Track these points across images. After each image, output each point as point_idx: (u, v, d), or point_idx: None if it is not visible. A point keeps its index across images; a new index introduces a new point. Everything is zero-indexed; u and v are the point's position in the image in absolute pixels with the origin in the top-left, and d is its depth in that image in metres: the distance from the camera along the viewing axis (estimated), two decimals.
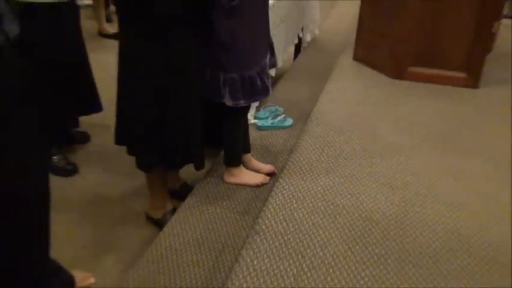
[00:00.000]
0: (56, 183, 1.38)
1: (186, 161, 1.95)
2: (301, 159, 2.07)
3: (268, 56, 2.02)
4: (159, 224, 2.04)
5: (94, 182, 2.37)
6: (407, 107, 2.51)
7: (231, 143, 2.14)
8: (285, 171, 1.99)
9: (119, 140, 1.96)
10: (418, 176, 1.96)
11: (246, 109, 2.09)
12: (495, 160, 2.09)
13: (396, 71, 2.74)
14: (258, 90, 1.94)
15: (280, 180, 1.94)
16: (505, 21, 3.56)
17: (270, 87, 1.98)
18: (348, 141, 2.18)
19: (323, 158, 2.04)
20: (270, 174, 2.22)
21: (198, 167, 2.00)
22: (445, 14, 2.60)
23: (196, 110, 1.86)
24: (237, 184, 2.16)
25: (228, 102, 1.89)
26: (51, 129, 2.32)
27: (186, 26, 1.72)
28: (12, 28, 1.15)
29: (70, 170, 2.42)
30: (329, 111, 2.48)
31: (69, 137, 2.64)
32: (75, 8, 2.31)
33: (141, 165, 1.95)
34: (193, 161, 1.96)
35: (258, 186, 2.16)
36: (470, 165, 2.06)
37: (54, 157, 2.44)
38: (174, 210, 2.07)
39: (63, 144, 2.58)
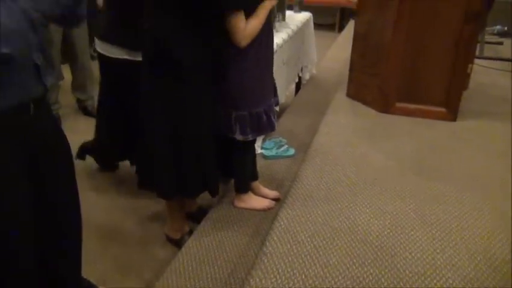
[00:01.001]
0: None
1: (202, 189, 1.94)
2: (303, 187, 2.05)
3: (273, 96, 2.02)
4: (178, 245, 2.02)
5: (116, 204, 2.35)
6: (395, 138, 2.50)
7: (240, 171, 2.13)
8: (289, 198, 1.97)
9: (142, 181, 1.94)
10: (406, 201, 1.93)
11: (254, 141, 2.08)
12: (471, 184, 2.07)
13: (384, 106, 2.74)
14: (265, 126, 1.93)
15: (285, 206, 1.93)
16: (478, 61, 3.57)
17: (275, 123, 1.98)
18: (343, 170, 2.16)
19: (321, 186, 2.03)
20: (276, 199, 2.21)
21: (213, 194, 1.98)
22: (425, 56, 2.61)
23: (210, 143, 1.86)
24: (246, 209, 2.15)
25: (238, 137, 1.89)
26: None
27: (201, 69, 1.73)
28: (49, 79, 1.15)
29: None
30: (326, 142, 2.47)
31: None
32: None
33: (161, 195, 1.94)
34: (208, 189, 1.95)
35: (265, 210, 2.14)
36: (450, 190, 2.03)
37: None
38: (191, 232, 2.05)
39: None
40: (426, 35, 2.54)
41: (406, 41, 2.58)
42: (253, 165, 2.20)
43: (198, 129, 1.80)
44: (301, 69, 3.74)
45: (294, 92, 3.76)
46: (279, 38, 2.82)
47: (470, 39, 2.49)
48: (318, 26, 6.36)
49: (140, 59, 1.82)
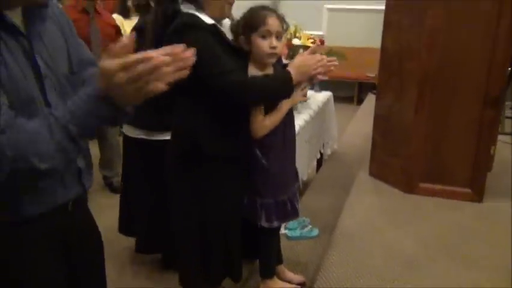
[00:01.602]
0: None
1: (226, 276, 1.93)
2: (329, 277, 2.02)
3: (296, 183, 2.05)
4: None
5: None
6: (421, 221, 2.48)
7: (265, 256, 2.13)
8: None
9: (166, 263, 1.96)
10: None
11: (279, 227, 2.09)
12: (501, 270, 2.01)
13: (408, 187, 2.75)
14: (289, 213, 1.96)
15: None
16: (500, 137, 3.58)
17: (299, 210, 2.00)
18: (370, 258, 2.13)
19: (348, 275, 1.99)
20: (301, 284, 2.18)
21: (236, 280, 1.97)
22: (448, 137, 2.66)
23: (237, 232, 1.88)
24: None
25: (264, 224, 1.91)
26: None
27: (228, 160, 1.78)
28: (89, 181, 1.21)
29: None
30: (351, 225, 2.46)
31: None
32: None
33: (185, 284, 1.94)
34: (232, 275, 1.94)
35: None
36: (480, 276, 1.97)
37: None
38: None
39: None
40: (448, 117, 2.60)
41: (427, 123, 2.64)
42: (277, 249, 2.20)
43: (226, 219, 1.83)
44: (323, 146, 3.81)
45: (315, 168, 3.80)
46: (300, 120, 2.91)
47: (491, 122, 2.54)
48: (336, 98, 6.55)
49: (155, 138, 1.95)
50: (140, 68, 0.83)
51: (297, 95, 1.85)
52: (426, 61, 2.56)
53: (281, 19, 1.80)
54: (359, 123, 5.18)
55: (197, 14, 1.65)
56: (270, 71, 1.84)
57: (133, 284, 2.36)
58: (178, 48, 0.85)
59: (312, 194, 3.23)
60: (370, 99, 6.47)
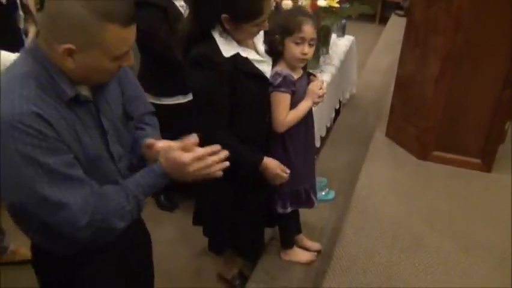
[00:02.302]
0: None
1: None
2: (343, 255, 2.31)
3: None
4: (229, 284, 2.42)
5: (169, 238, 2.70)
6: (431, 195, 2.71)
7: (284, 231, 2.43)
8: (330, 268, 2.23)
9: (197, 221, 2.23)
10: (436, 276, 2.18)
11: (297, 212, 2.34)
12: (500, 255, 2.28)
13: (422, 154, 2.95)
14: (303, 202, 2.19)
15: (327, 276, 2.19)
16: None
17: (315, 201, 2.22)
18: (381, 236, 2.40)
19: (360, 255, 2.29)
20: (318, 251, 2.51)
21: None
22: (464, 113, 2.77)
23: (260, 213, 2.13)
24: (291, 261, 2.45)
25: (279, 209, 2.16)
26: None
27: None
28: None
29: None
30: (365, 198, 2.69)
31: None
32: None
33: (213, 249, 2.28)
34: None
35: (307, 263, 2.45)
36: (480, 261, 2.25)
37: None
38: (241, 273, 2.41)
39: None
40: (467, 94, 2.69)
41: (447, 97, 2.74)
42: (297, 220, 2.48)
43: (252, 204, 2.07)
44: (342, 93, 3.91)
45: (333, 118, 3.93)
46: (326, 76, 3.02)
47: (509, 102, 2.63)
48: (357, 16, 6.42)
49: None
50: (212, 160, 1.18)
51: (314, 96, 1.97)
52: (451, 38, 2.58)
53: (316, 25, 1.87)
54: (380, 56, 5.17)
55: (219, 43, 1.71)
56: (298, 74, 1.95)
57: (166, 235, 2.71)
58: (193, 139, 1.20)
59: (329, 149, 3.43)
60: (394, 22, 6.32)
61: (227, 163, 1.21)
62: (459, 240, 2.38)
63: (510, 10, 2.42)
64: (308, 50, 1.89)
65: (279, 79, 1.87)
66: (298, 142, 2.05)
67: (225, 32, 1.72)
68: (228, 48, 1.72)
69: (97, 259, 1.34)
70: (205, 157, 1.18)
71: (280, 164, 1.94)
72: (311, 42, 1.89)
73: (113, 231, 1.19)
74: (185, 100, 2.58)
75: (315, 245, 2.55)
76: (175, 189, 2.77)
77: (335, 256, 2.30)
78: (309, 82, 2.02)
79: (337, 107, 3.81)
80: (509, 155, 2.99)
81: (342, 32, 3.87)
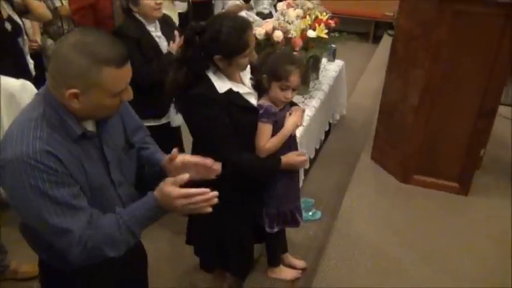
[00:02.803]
0: None
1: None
2: (325, 278, 2.48)
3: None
4: None
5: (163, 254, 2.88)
6: (411, 215, 2.90)
7: (271, 250, 2.62)
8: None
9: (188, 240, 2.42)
10: None
11: (283, 231, 2.53)
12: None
13: (404, 178, 3.15)
14: (289, 222, 2.37)
15: None
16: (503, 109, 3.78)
17: (300, 221, 2.40)
18: (362, 261, 2.56)
19: (342, 277, 2.47)
20: (303, 269, 2.69)
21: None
22: (443, 139, 2.97)
23: (248, 230, 2.31)
24: (277, 278, 2.64)
25: (267, 229, 2.33)
26: None
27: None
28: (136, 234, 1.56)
29: None
30: (348, 221, 2.88)
31: None
32: None
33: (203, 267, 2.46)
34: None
35: (292, 280, 2.63)
36: (457, 285, 2.42)
37: None
38: None
39: None
40: (445, 123, 2.90)
41: (426, 125, 2.95)
42: (283, 240, 2.66)
43: (240, 228, 2.26)
44: (332, 115, 4.11)
45: (323, 138, 4.12)
46: (310, 108, 3.21)
47: (484, 130, 2.83)
48: (350, 34, 6.65)
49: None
50: (197, 199, 1.31)
51: (293, 124, 2.16)
52: (429, 72, 2.79)
53: (302, 73, 2.08)
54: (371, 77, 5.38)
55: (213, 80, 1.93)
56: (281, 105, 2.15)
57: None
58: (209, 161, 1.38)
59: (317, 169, 3.63)
60: (386, 42, 6.53)
61: (215, 200, 1.34)
62: (436, 263, 2.56)
63: (483, 46, 2.63)
64: (291, 95, 2.13)
65: (261, 111, 2.07)
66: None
67: (218, 70, 1.93)
68: (221, 85, 1.94)
69: (97, 274, 1.52)
70: (193, 196, 1.30)
71: (293, 152, 2.19)
72: (295, 89, 2.11)
73: (105, 257, 1.35)
74: (159, 123, 2.81)
75: (301, 263, 2.74)
76: None
77: (316, 278, 2.48)
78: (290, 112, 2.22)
79: (326, 129, 4.01)
80: (484, 179, 3.19)
81: (332, 57, 4.09)
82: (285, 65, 2.06)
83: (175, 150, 1.47)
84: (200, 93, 1.91)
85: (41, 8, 3.05)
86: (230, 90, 1.96)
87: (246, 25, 1.91)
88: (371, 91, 4.93)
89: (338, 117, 4.32)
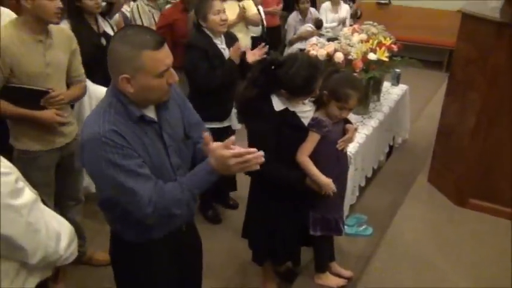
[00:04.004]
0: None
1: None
2: (369, 284, 2.59)
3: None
4: None
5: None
6: (461, 237, 2.92)
7: (318, 255, 2.77)
8: None
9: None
10: None
11: (331, 239, 2.68)
12: None
13: (459, 201, 3.17)
14: (332, 229, 2.53)
15: None
16: None
17: (342, 230, 2.56)
18: (406, 271, 2.65)
19: (387, 284, 2.56)
20: (349, 279, 2.80)
21: (296, 264, 2.70)
22: (500, 163, 2.98)
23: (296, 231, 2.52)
24: (323, 285, 2.77)
25: (310, 231, 2.50)
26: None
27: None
28: (195, 206, 1.85)
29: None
30: (399, 234, 2.97)
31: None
32: None
33: (255, 260, 2.68)
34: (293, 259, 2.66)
35: None
36: None
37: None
38: None
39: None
40: (501, 146, 2.91)
41: (482, 149, 2.98)
42: (331, 248, 2.81)
43: (288, 228, 2.46)
44: (393, 138, 4.20)
45: (385, 158, 4.21)
46: (368, 128, 3.35)
47: None
48: (425, 63, 6.66)
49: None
50: (247, 157, 1.51)
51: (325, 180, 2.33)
52: (486, 94, 2.84)
53: (360, 97, 2.33)
54: (439, 104, 5.31)
55: (273, 98, 2.20)
56: (335, 120, 2.35)
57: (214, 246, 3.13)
58: (252, 151, 1.53)
59: (374, 189, 3.72)
60: None
61: (262, 159, 1.51)
62: (480, 284, 2.57)
63: None
64: (346, 115, 2.34)
65: (314, 121, 2.29)
66: (330, 176, 2.41)
67: (281, 96, 2.23)
68: (279, 104, 2.22)
69: (158, 251, 1.79)
70: (243, 154, 1.50)
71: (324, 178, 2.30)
72: (351, 110, 2.32)
73: (173, 217, 1.62)
74: (221, 126, 3.11)
75: (347, 273, 2.85)
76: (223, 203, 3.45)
77: (360, 283, 2.59)
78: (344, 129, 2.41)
79: (386, 150, 4.10)
80: None
81: (396, 81, 4.20)
82: (346, 89, 2.27)
83: (206, 134, 1.61)
84: (258, 107, 2.20)
85: None
86: (286, 109, 2.22)
87: (318, 74, 2.18)
88: (437, 118, 4.92)
89: (400, 140, 4.40)
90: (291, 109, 2.24)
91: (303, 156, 2.30)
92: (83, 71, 2.56)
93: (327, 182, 2.30)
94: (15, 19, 2.31)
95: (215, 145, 1.56)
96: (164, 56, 1.50)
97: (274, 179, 2.27)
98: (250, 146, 2.30)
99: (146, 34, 1.49)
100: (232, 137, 1.54)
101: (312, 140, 2.29)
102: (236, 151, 1.50)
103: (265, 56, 2.98)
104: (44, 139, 2.40)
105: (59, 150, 2.48)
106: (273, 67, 2.18)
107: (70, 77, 2.48)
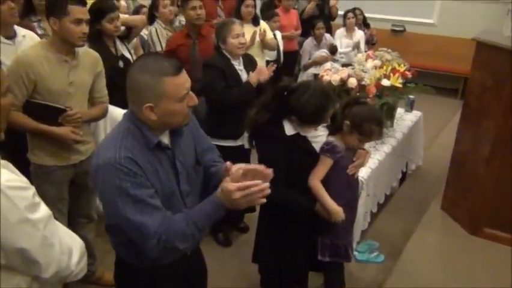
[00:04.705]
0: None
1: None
2: None
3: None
4: None
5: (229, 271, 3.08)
6: (475, 267, 2.88)
7: (328, 281, 2.73)
8: None
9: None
10: None
11: (341, 265, 2.66)
12: None
13: (473, 229, 3.13)
14: (341, 255, 2.49)
15: None
16: None
17: (351, 256, 2.54)
18: None
19: None
20: None
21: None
22: None
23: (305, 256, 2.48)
24: None
25: (319, 256, 2.48)
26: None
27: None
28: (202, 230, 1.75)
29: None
30: (411, 262, 2.93)
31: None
32: None
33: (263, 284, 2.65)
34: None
35: None
36: None
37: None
38: None
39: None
40: None
41: (497, 178, 2.95)
42: (341, 274, 2.78)
43: (296, 254, 2.45)
44: (406, 164, 4.18)
45: (398, 183, 4.19)
46: (381, 153, 3.35)
47: None
48: (439, 90, 6.65)
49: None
50: (252, 190, 1.50)
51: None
52: (502, 123, 2.84)
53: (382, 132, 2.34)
54: (453, 131, 5.32)
55: (284, 123, 2.21)
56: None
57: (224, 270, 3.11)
58: (261, 167, 1.56)
59: (386, 215, 3.69)
60: None
61: (268, 191, 1.50)
62: None
63: None
64: (364, 145, 2.34)
65: (328, 146, 2.30)
66: (340, 203, 2.41)
67: (293, 122, 2.24)
68: (290, 129, 2.24)
69: (163, 276, 1.78)
70: (248, 187, 1.49)
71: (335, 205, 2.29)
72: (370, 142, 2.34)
73: (176, 250, 1.61)
74: (235, 144, 3.15)
75: None
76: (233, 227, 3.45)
77: None
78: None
79: (399, 177, 4.08)
80: None
81: (410, 108, 4.21)
82: (372, 125, 2.27)
83: (227, 163, 1.63)
84: (269, 132, 2.21)
85: (137, 21, 3.55)
86: (297, 134, 2.24)
87: (329, 104, 2.19)
88: (451, 145, 4.90)
89: (413, 167, 4.38)
90: (303, 134, 2.25)
91: (315, 180, 2.30)
92: (106, 92, 2.63)
93: (336, 209, 2.28)
94: (45, 40, 2.43)
95: (227, 178, 1.57)
96: (184, 80, 1.54)
97: (283, 204, 2.26)
98: None
99: (163, 61, 1.52)
100: (240, 170, 1.55)
101: (325, 164, 2.29)
102: (240, 183, 1.50)
103: (274, 73, 3.13)
104: (60, 155, 2.45)
105: (74, 167, 2.52)
106: (285, 93, 2.21)
107: (93, 98, 2.56)
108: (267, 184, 1.52)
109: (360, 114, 2.28)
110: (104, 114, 2.65)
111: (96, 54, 2.58)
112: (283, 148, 2.19)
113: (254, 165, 1.57)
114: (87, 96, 2.51)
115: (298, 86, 2.22)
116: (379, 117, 2.38)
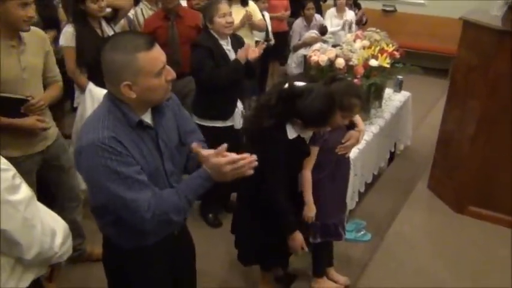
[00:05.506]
0: None
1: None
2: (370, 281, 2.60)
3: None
4: None
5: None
6: (460, 244, 2.93)
7: (316, 260, 2.77)
8: None
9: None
10: None
11: (330, 244, 2.69)
12: None
13: (458, 208, 3.17)
14: (332, 234, 2.54)
15: None
16: None
17: (343, 235, 2.57)
18: (404, 277, 2.66)
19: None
20: (346, 286, 2.81)
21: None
22: (500, 171, 2.98)
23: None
24: None
25: (310, 239, 2.51)
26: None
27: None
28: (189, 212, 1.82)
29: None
30: (397, 239, 2.98)
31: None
32: None
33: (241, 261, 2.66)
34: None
35: None
36: None
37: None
38: None
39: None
40: (501, 154, 2.92)
41: (482, 156, 2.99)
42: (330, 253, 2.82)
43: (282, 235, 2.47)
44: (394, 144, 4.21)
45: (387, 164, 4.22)
46: (368, 134, 3.36)
47: None
48: (429, 70, 6.63)
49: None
50: (241, 163, 1.55)
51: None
52: (487, 102, 2.86)
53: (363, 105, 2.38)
54: (442, 111, 5.36)
55: (286, 126, 2.19)
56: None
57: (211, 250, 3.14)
58: (252, 157, 1.57)
59: (374, 195, 3.73)
60: None
61: (256, 163, 1.56)
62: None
63: None
64: (347, 122, 2.35)
65: (311, 138, 2.33)
66: (328, 183, 2.43)
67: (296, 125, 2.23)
68: (292, 132, 2.22)
69: (151, 256, 1.80)
70: (237, 160, 1.54)
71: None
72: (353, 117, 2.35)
73: (171, 223, 1.64)
74: (224, 125, 3.14)
75: (344, 279, 2.86)
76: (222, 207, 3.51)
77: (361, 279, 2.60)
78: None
79: (387, 157, 4.11)
80: None
81: (398, 88, 4.21)
82: (351, 98, 2.27)
83: (194, 143, 1.66)
84: (271, 134, 2.18)
85: (124, 2, 3.36)
86: (298, 136, 2.23)
87: (335, 108, 2.17)
88: (439, 125, 4.94)
89: (402, 147, 4.41)
90: (302, 136, 2.25)
91: (307, 171, 2.35)
92: (58, 71, 2.56)
93: (312, 208, 2.38)
94: None
95: (207, 153, 1.59)
96: (159, 53, 1.53)
97: (274, 209, 2.29)
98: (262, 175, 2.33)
99: (135, 37, 1.51)
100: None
101: (313, 153, 2.34)
102: (230, 158, 1.54)
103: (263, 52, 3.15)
104: (26, 144, 2.39)
105: (41, 153, 2.48)
106: (292, 97, 2.15)
107: (46, 78, 2.48)
108: (254, 157, 1.57)
109: (338, 90, 2.25)
110: (60, 92, 2.58)
111: (42, 33, 2.47)
112: (285, 151, 2.19)
113: (238, 155, 1.59)
114: (41, 79, 2.44)
115: (303, 89, 2.15)
116: (357, 90, 2.39)
